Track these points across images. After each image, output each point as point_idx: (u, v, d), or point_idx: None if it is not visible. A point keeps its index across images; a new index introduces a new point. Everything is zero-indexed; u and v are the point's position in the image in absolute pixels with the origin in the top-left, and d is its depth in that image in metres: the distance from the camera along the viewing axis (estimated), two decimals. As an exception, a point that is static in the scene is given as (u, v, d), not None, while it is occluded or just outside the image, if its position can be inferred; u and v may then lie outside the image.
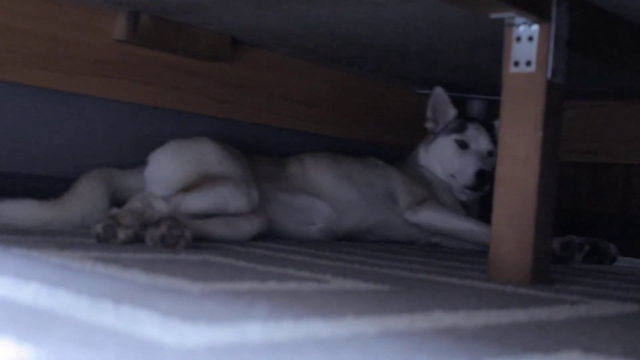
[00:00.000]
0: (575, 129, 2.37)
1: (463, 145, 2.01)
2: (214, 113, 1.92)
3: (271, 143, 2.03)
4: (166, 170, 1.61)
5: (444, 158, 2.02)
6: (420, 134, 2.13)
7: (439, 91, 2.04)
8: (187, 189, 1.53)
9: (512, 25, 1.24)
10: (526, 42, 1.23)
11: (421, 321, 0.72)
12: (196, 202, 1.50)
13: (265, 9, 1.56)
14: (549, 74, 1.20)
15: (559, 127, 1.23)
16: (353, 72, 2.19)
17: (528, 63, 1.21)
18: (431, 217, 1.88)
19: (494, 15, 1.23)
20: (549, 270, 1.24)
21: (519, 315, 0.83)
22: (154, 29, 1.71)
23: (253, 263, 1.14)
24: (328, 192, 1.82)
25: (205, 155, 1.63)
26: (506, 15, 1.22)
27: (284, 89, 2.05)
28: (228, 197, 1.54)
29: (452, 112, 2.04)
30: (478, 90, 2.30)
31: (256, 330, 0.59)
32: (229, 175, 1.58)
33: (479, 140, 2.02)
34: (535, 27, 1.22)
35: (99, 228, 1.28)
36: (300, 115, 2.09)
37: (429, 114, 2.06)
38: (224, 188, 1.54)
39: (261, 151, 1.90)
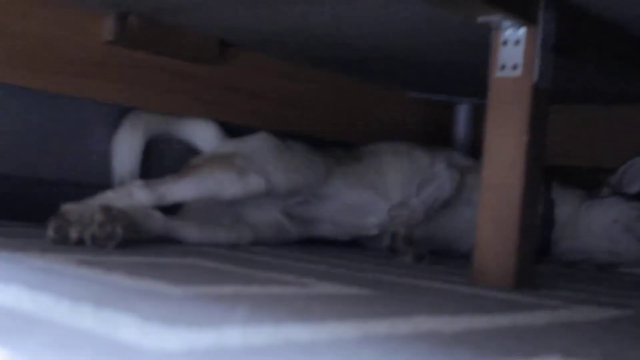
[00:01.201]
0: (560, 132, 2.37)
1: None
2: (202, 114, 1.92)
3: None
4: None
5: None
6: (410, 140, 2.13)
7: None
8: (182, 174, 1.51)
9: (498, 28, 1.24)
10: (513, 45, 1.23)
11: (402, 326, 0.72)
12: (186, 190, 1.46)
13: (253, 10, 1.56)
14: (535, 78, 1.20)
15: (544, 132, 1.23)
16: (343, 75, 2.19)
17: (514, 67, 1.21)
18: None
19: (480, 19, 1.23)
20: (533, 274, 1.25)
21: (500, 320, 0.83)
22: (142, 30, 1.70)
23: (238, 267, 1.14)
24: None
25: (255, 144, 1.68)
26: (493, 19, 1.22)
27: (273, 91, 2.05)
28: (224, 183, 1.52)
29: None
30: (468, 93, 2.31)
31: (235, 334, 0.59)
32: (243, 159, 1.58)
33: None
34: (522, 31, 1.23)
35: (50, 231, 1.20)
36: (288, 118, 2.09)
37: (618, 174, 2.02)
38: (223, 173, 1.53)
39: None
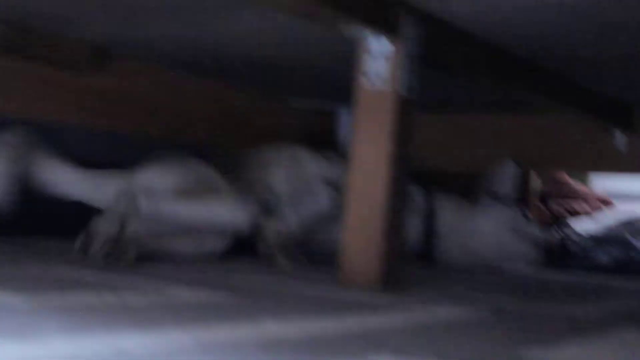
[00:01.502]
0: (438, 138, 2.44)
1: None
2: (78, 122, 1.89)
3: (138, 153, 2.00)
4: None
5: None
6: (291, 143, 2.15)
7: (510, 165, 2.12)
8: (185, 195, 1.55)
9: (364, 41, 1.27)
10: (378, 58, 1.26)
11: (249, 333, 0.73)
12: (184, 213, 1.52)
13: (129, 19, 1.55)
14: (401, 89, 1.23)
15: (410, 141, 1.27)
16: (223, 83, 2.19)
17: (380, 78, 1.24)
18: None
19: (346, 32, 1.26)
20: (399, 276, 1.28)
21: (349, 322, 0.85)
22: (16, 39, 1.68)
23: (101, 276, 1.13)
24: None
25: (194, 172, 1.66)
26: (357, 32, 1.25)
27: (154, 99, 2.04)
28: (224, 215, 1.57)
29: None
30: (350, 100, 2.34)
31: (63, 345, 0.59)
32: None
33: None
34: (386, 43, 1.25)
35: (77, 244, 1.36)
36: (170, 126, 2.08)
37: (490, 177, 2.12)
38: (220, 205, 1.58)
39: (124, 161, 1.88)
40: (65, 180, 1.69)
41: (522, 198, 2.14)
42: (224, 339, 0.68)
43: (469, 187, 2.18)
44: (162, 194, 1.62)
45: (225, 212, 1.58)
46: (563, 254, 2.14)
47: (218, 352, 0.63)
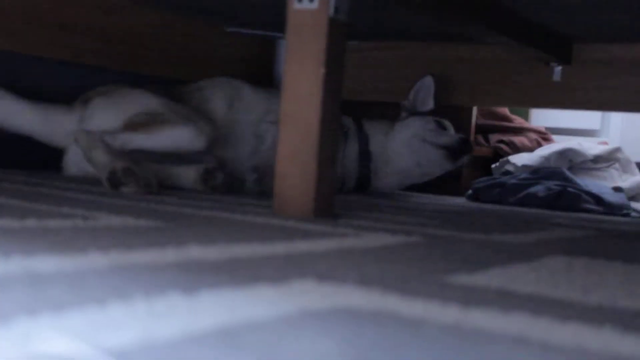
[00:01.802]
0: (378, 69, 2.43)
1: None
2: (19, 50, 1.83)
3: (66, 80, 1.95)
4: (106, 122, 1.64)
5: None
6: (229, 74, 2.11)
7: (427, 81, 2.17)
8: (134, 126, 1.57)
9: (295, -40, 1.24)
10: (311, -22, 1.23)
11: (168, 255, 0.72)
12: (144, 142, 1.57)
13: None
14: (331, 11, 1.21)
15: (341, 65, 1.25)
16: (158, 8, 2.14)
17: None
18: None
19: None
20: (332, 204, 1.27)
21: (276, 248, 0.84)
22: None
23: (27, 202, 1.10)
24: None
25: (141, 99, 1.68)
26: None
27: (93, 26, 1.98)
28: (177, 139, 1.60)
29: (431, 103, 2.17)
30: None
31: (-28, 267, 0.57)
32: (174, 115, 1.63)
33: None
34: (318, -37, 1.22)
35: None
36: (101, 52, 2.03)
37: (410, 96, 2.17)
38: (173, 130, 1.60)
39: (55, 89, 1.84)
40: (12, 112, 1.68)
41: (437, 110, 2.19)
42: (141, 261, 0.67)
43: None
44: (115, 127, 1.62)
45: (180, 134, 1.61)
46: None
47: (131, 272, 0.61)
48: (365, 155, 2.03)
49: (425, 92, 2.17)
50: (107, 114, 1.64)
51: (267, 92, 1.91)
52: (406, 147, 2.04)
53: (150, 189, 1.42)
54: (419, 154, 2.04)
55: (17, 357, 0.36)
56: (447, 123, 2.12)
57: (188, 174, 1.65)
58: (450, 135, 2.06)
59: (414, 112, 2.13)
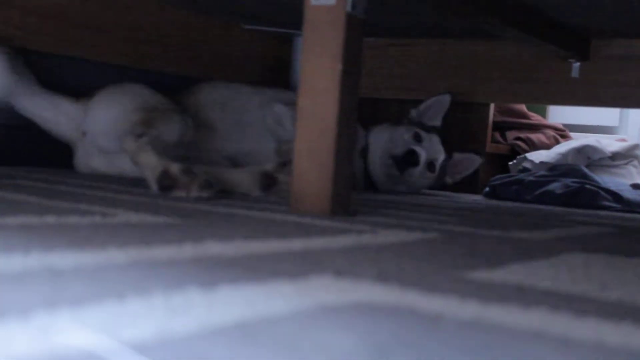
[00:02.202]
0: (396, 65, 2.42)
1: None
2: (21, 44, 1.84)
3: (89, 78, 1.96)
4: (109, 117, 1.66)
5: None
6: (246, 70, 2.12)
7: (446, 98, 2.17)
8: (146, 123, 1.56)
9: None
10: (327, -26, 1.23)
11: (188, 251, 0.72)
12: (166, 135, 1.56)
13: None
14: (349, 7, 1.20)
15: (359, 61, 1.25)
16: (176, 6, 2.14)
17: (326, -7, 1.21)
18: None
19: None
20: (349, 201, 1.27)
21: (294, 244, 0.84)
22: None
23: (46, 199, 1.11)
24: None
25: (140, 95, 1.70)
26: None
27: (110, 23, 1.98)
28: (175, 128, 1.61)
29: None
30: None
31: (-8, 262, 0.57)
32: (167, 109, 1.65)
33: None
34: (335, -41, 1.22)
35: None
36: (122, 50, 2.04)
37: (422, 107, 2.16)
38: (172, 120, 1.61)
39: (73, 85, 1.86)
40: (33, 104, 1.71)
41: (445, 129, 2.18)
42: (159, 257, 0.67)
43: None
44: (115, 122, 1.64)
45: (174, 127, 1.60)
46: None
47: (149, 267, 0.61)
48: (365, 154, 2.04)
49: (437, 109, 2.16)
50: (108, 108, 1.67)
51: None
52: (377, 154, 2.04)
53: (210, 191, 1.33)
54: (381, 161, 2.03)
55: (37, 350, 0.36)
56: (427, 137, 2.07)
57: (243, 178, 1.53)
58: (405, 146, 2.01)
59: (418, 123, 2.11)
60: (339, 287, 0.60)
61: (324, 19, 1.21)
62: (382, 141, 2.02)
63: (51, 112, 1.72)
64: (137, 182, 1.52)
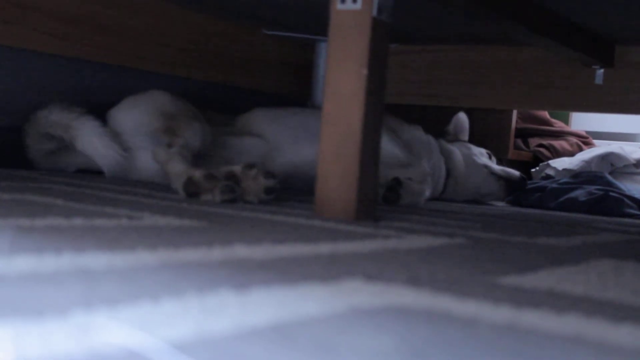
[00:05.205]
0: (419, 72, 2.42)
1: None
2: (57, 51, 1.85)
3: (117, 84, 1.97)
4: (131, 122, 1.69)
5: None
6: (268, 76, 2.12)
7: (462, 116, 2.31)
8: (171, 132, 1.59)
9: (337, -40, 1.24)
10: (350, -24, 1.23)
11: (217, 254, 0.72)
12: (191, 141, 1.59)
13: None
14: (375, 12, 1.20)
15: (384, 66, 1.24)
16: (197, 11, 2.15)
17: (354, 0, 1.21)
18: None
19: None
20: (374, 206, 1.26)
21: (321, 248, 0.84)
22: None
23: (72, 202, 1.11)
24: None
25: (160, 101, 1.71)
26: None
27: (128, 27, 1.99)
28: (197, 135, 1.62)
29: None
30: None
31: (25, 262, 0.57)
32: (187, 116, 1.66)
33: None
34: (362, -36, 1.22)
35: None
36: (148, 56, 2.04)
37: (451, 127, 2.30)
38: (192, 127, 1.62)
39: (101, 92, 1.86)
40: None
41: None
42: (189, 259, 0.67)
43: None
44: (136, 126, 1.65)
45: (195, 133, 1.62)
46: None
47: (181, 269, 0.61)
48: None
49: (461, 126, 2.29)
50: (129, 114, 1.69)
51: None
52: (461, 166, 2.17)
53: (234, 195, 1.35)
54: (474, 175, 2.18)
55: (77, 348, 0.36)
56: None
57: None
58: (504, 171, 2.20)
59: (456, 140, 2.24)
60: (370, 291, 0.60)
61: (350, 23, 1.21)
62: (458, 155, 2.16)
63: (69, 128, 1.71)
64: (164, 187, 1.53)
